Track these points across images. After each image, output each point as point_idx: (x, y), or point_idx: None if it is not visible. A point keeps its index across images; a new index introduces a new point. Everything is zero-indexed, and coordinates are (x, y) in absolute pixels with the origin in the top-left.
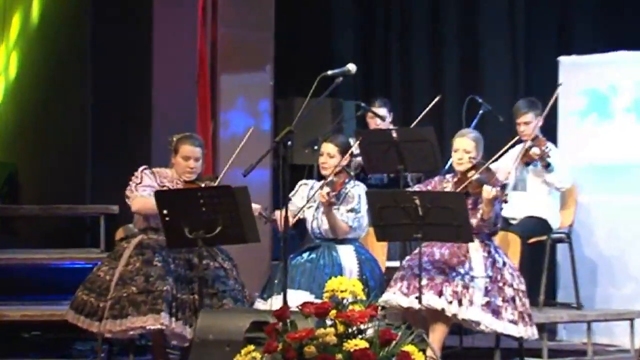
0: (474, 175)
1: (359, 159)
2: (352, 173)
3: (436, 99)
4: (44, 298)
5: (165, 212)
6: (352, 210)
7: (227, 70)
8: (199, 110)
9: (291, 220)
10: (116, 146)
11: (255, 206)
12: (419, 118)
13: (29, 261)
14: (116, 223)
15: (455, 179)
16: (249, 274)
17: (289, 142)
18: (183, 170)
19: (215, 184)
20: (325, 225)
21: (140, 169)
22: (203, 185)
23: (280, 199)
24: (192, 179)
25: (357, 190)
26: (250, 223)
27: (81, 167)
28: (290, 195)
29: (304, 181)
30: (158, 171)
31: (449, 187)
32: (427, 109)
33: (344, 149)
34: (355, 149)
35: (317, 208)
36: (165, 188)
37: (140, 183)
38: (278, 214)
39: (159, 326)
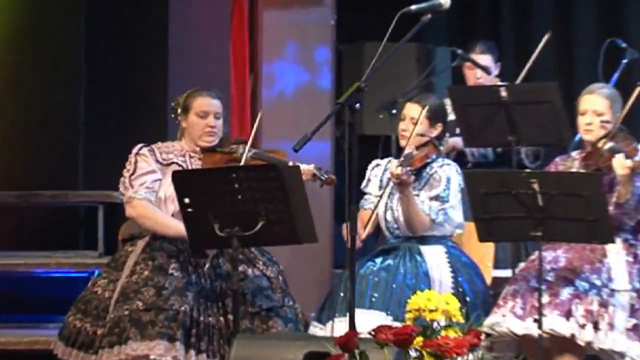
0: (605, 145)
1: (454, 139)
2: (441, 149)
3: (546, 37)
4: (23, 319)
5: (186, 201)
6: (436, 197)
7: (273, 4)
8: (232, 61)
9: (365, 229)
10: (117, 116)
11: (306, 167)
12: (526, 68)
13: (2, 269)
14: (119, 216)
15: (584, 154)
16: (302, 287)
17: (358, 105)
18: (201, 132)
19: (246, 152)
20: (399, 218)
21: (135, 149)
22: (230, 152)
23: (345, 186)
24: (214, 143)
25: (445, 171)
26: (304, 215)
27: (71, 142)
28: (362, 186)
29: (377, 161)
30: (159, 146)
31: (574, 166)
32: (536, 52)
33: (434, 114)
34: (449, 115)
35: (392, 194)
36: (173, 166)
37: (133, 173)
38: (345, 229)
39: (169, 359)
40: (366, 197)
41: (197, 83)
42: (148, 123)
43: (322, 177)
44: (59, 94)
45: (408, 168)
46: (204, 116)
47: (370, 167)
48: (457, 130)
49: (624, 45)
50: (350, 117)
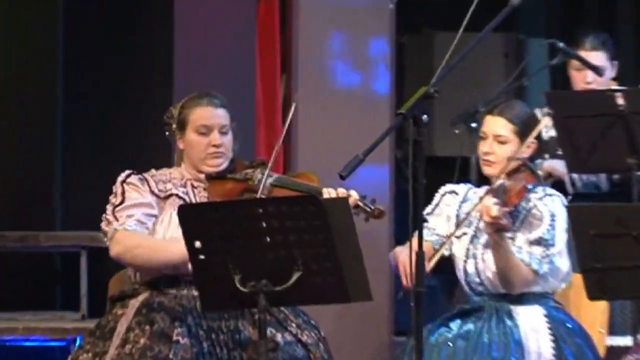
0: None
1: (551, 163)
2: (540, 174)
3: None
4: None
5: (197, 245)
6: (538, 241)
7: None
8: (259, 59)
9: (428, 264)
10: (103, 139)
11: (345, 192)
12: None
13: None
14: (107, 265)
15: None
16: (352, 358)
17: (425, 116)
18: (203, 154)
19: (265, 178)
20: (490, 270)
21: (121, 177)
22: (245, 179)
23: (408, 220)
24: (222, 167)
25: (548, 205)
26: (355, 264)
27: (46, 174)
28: (426, 212)
29: (450, 187)
30: (153, 174)
31: None
32: None
33: (526, 128)
34: (546, 130)
35: (475, 237)
36: (173, 199)
37: (121, 204)
38: (401, 252)
39: None
40: (429, 224)
41: (214, 84)
42: (148, 147)
43: (368, 208)
44: (34, 121)
45: (505, 208)
46: (205, 132)
47: (441, 191)
48: (559, 150)
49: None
50: (415, 132)
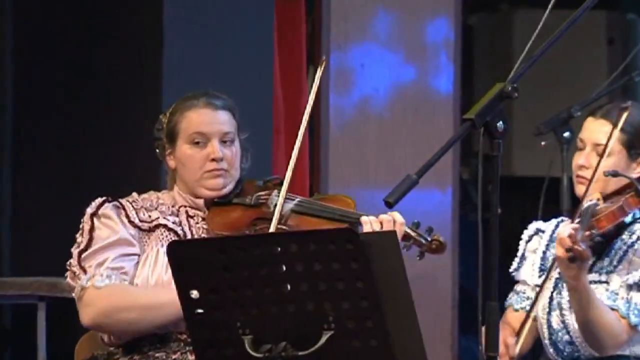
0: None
1: None
2: None
3: None
4: None
5: (193, 295)
6: (639, 285)
7: None
8: (277, 49)
9: (517, 342)
10: (66, 158)
11: (390, 219)
12: None
13: None
14: (72, 320)
15: None
16: None
17: (501, 123)
18: (199, 173)
19: (281, 202)
20: (574, 323)
21: (91, 208)
22: (257, 204)
23: (479, 264)
24: (225, 190)
25: None
26: (406, 321)
27: None
28: (512, 268)
29: (535, 226)
30: (134, 199)
31: None
32: None
33: (638, 137)
34: None
35: (560, 280)
36: (160, 231)
37: (87, 248)
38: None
39: None
40: (519, 288)
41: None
42: (129, 169)
43: (423, 240)
44: None
45: (588, 232)
46: (201, 142)
47: (526, 234)
48: None
49: None
50: (487, 144)
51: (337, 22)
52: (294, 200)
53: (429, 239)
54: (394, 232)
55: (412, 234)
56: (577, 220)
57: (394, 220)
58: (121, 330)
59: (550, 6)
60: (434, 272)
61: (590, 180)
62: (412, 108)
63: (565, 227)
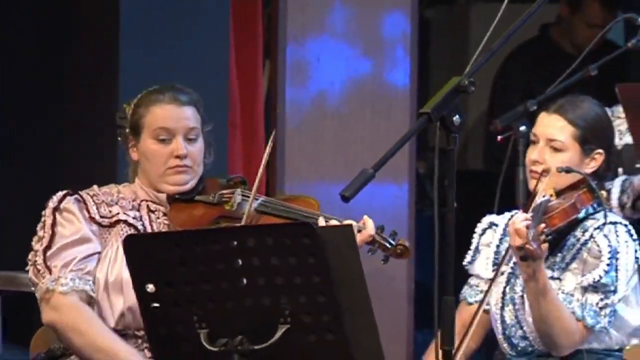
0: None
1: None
2: (603, 195)
3: None
4: None
5: (149, 289)
6: (595, 285)
7: None
8: (233, 43)
9: (465, 336)
10: (19, 156)
11: (355, 224)
12: None
13: None
14: (29, 314)
15: None
16: None
17: (457, 117)
18: (162, 169)
19: (250, 201)
20: (528, 318)
21: (53, 201)
22: (220, 202)
23: (434, 261)
24: (188, 186)
25: (610, 237)
26: (361, 316)
27: None
28: (465, 261)
29: (492, 218)
30: (94, 193)
31: None
32: None
33: (593, 134)
34: (620, 135)
35: (513, 275)
36: (121, 226)
37: (50, 246)
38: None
39: None
40: (472, 281)
41: (169, 81)
42: (87, 158)
43: (388, 244)
44: None
45: (542, 228)
46: (166, 139)
47: (479, 228)
48: (638, 164)
49: None
50: (443, 139)
51: (293, 15)
52: (258, 199)
53: (394, 243)
54: (350, 227)
55: (378, 238)
56: (530, 214)
57: (362, 222)
58: (68, 345)
59: (506, 0)
60: (390, 267)
61: (537, 173)
62: (368, 102)
63: (519, 219)
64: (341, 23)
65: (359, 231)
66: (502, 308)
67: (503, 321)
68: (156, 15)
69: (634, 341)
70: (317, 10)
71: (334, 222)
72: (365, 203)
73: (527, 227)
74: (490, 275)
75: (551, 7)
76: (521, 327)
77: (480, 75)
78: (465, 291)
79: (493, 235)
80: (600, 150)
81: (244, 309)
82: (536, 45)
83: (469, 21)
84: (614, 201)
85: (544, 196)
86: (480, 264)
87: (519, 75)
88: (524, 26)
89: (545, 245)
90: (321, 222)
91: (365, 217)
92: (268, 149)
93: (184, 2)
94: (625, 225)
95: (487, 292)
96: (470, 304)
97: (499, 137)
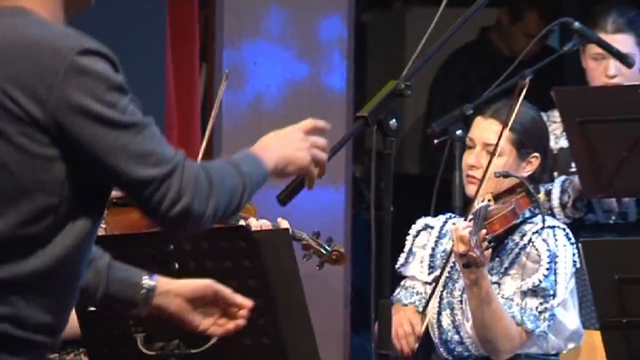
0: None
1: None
2: (537, 196)
3: None
4: None
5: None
6: (534, 290)
7: None
8: (170, 46)
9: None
10: None
11: (295, 232)
12: None
13: None
14: None
15: None
16: None
17: (394, 120)
18: None
19: None
20: (468, 324)
21: None
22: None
23: (371, 263)
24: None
25: (548, 241)
26: (298, 320)
27: None
28: (399, 263)
29: (423, 222)
30: None
31: None
32: None
33: (529, 138)
34: (555, 139)
35: (450, 279)
36: None
37: None
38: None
39: None
40: (407, 283)
41: None
42: None
43: (323, 250)
44: None
45: (484, 234)
46: None
47: (413, 230)
48: (574, 166)
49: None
50: (380, 142)
51: (230, 18)
52: None
53: (329, 249)
54: (286, 231)
55: (313, 244)
56: (469, 220)
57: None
58: None
59: (444, 3)
60: (326, 270)
61: (481, 182)
62: (305, 105)
63: (462, 227)
64: (277, 26)
65: None
66: (439, 312)
67: (440, 326)
68: (92, 17)
69: (571, 345)
70: (253, 14)
71: (265, 223)
72: (302, 206)
73: (470, 233)
74: (426, 277)
75: (491, 10)
76: (458, 332)
77: (418, 78)
78: (400, 293)
79: (428, 238)
80: (536, 154)
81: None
82: (475, 48)
83: (405, 25)
84: (555, 201)
85: (482, 201)
86: (415, 266)
87: (457, 78)
88: (463, 29)
89: (488, 252)
90: (252, 222)
91: (280, 219)
92: (201, 153)
93: (120, 4)
94: (564, 229)
95: (431, 295)
96: (406, 305)
97: (435, 141)
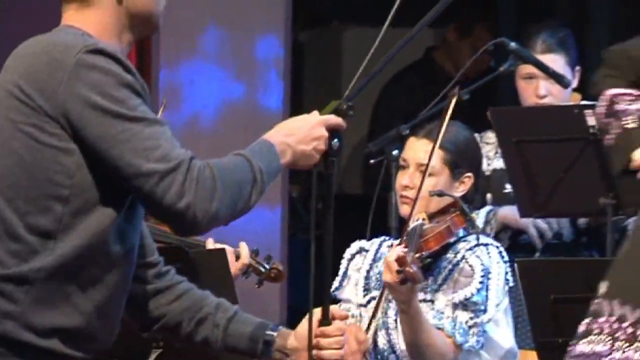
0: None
1: (506, 211)
2: (472, 214)
3: None
4: None
5: None
6: (465, 304)
7: None
8: None
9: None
10: None
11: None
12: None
13: None
14: None
15: None
16: None
17: (335, 140)
18: None
19: None
20: (401, 343)
21: None
22: None
23: (309, 286)
24: None
25: (481, 258)
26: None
27: None
28: (333, 287)
29: (357, 245)
30: None
31: None
32: None
33: (462, 157)
34: (488, 161)
35: (389, 301)
36: None
37: None
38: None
39: None
40: (342, 306)
41: None
42: None
43: (262, 268)
44: None
45: (420, 251)
46: None
47: (348, 253)
48: (507, 187)
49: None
50: (321, 163)
51: (166, 38)
52: None
53: (268, 267)
54: (223, 251)
55: (252, 262)
56: (404, 239)
57: (241, 256)
58: None
59: (386, 23)
60: (263, 291)
61: (415, 201)
62: (242, 125)
63: (394, 250)
64: (214, 46)
65: (237, 257)
66: (375, 333)
67: (376, 346)
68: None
69: None
70: (190, 34)
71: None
72: (238, 227)
73: (404, 254)
74: (361, 300)
75: (436, 31)
76: (394, 352)
77: (363, 97)
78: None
79: (363, 261)
80: (470, 174)
81: (118, 334)
82: (420, 68)
83: (341, 45)
84: None
85: (417, 220)
86: (350, 289)
87: (402, 97)
88: (408, 49)
89: (414, 275)
90: (209, 244)
91: (242, 243)
92: None
93: (53, 25)
94: (497, 247)
95: (371, 319)
96: None
97: (371, 161)
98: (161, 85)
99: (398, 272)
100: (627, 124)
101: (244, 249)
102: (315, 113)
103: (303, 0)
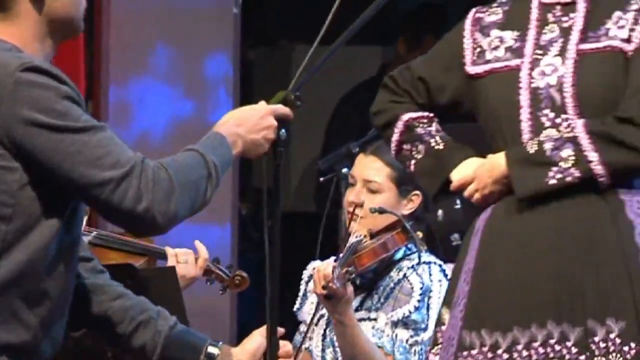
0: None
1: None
2: (418, 236)
3: None
4: None
5: None
6: (405, 322)
7: None
8: None
9: None
10: None
11: (190, 252)
12: None
13: None
14: None
15: None
16: None
17: (282, 131)
18: None
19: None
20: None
21: None
22: None
23: (266, 301)
24: None
25: (423, 277)
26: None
27: None
28: (295, 307)
29: (316, 264)
30: None
31: None
32: None
33: (407, 174)
34: None
35: (331, 320)
36: None
37: None
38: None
39: None
40: (302, 328)
41: None
42: None
43: (225, 275)
44: None
45: (345, 270)
46: None
47: (305, 274)
48: (457, 204)
49: None
50: (269, 178)
51: (116, 55)
52: (91, 233)
53: (230, 274)
54: (173, 268)
55: (214, 269)
56: (340, 255)
57: (199, 254)
58: None
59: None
60: (212, 308)
61: (351, 216)
62: (191, 143)
63: (324, 265)
64: (163, 64)
65: (197, 259)
66: (323, 350)
67: None
68: None
69: None
70: (139, 51)
71: (180, 253)
72: (188, 244)
73: (334, 267)
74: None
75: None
76: None
77: (315, 115)
78: (296, 337)
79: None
80: (417, 192)
81: (67, 352)
82: (374, 84)
83: (291, 62)
84: None
85: (357, 237)
86: (307, 310)
87: (354, 116)
88: (361, 67)
89: (350, 289)
90: (170, 252)
91: (197, 242)
92: None
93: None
94: (440, 265)
95: (306, 332)
96: (301, 352)
97: (321, 179)
98: (111, 103)
99: (323, 287)
100: (436, 145)
101: (201, 246)
102: (263, 103)
103: (252, 18)
